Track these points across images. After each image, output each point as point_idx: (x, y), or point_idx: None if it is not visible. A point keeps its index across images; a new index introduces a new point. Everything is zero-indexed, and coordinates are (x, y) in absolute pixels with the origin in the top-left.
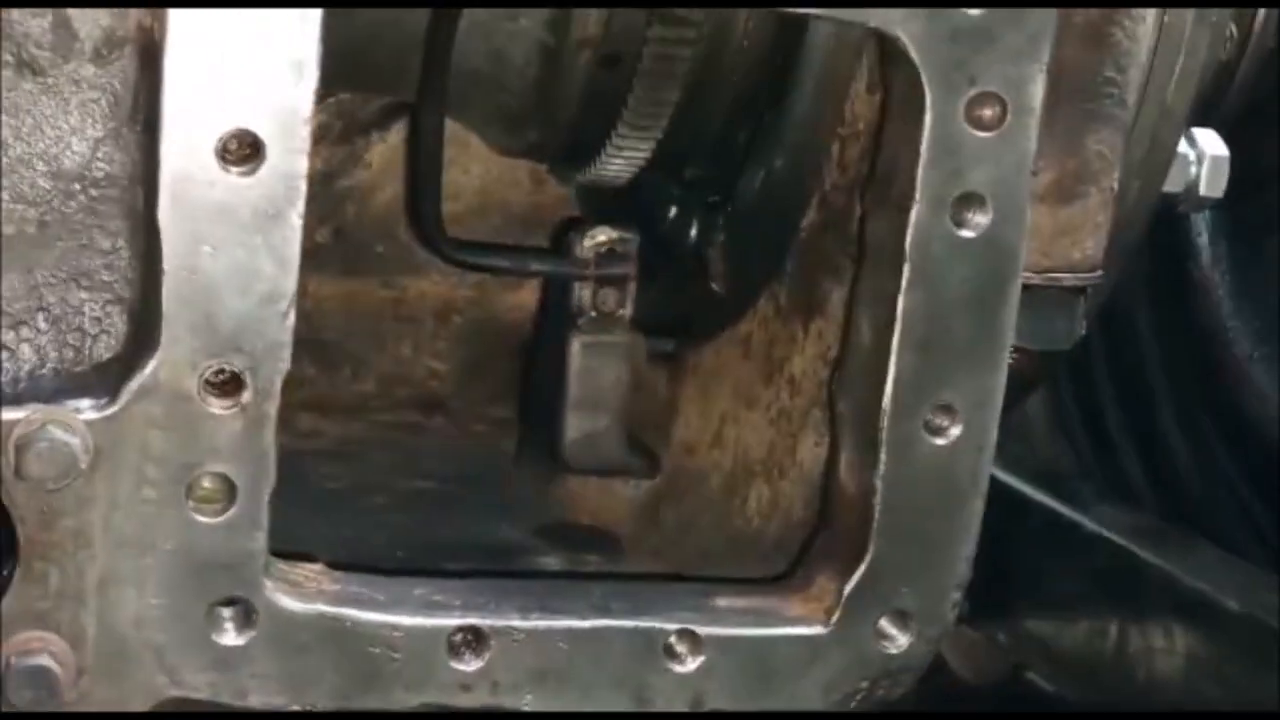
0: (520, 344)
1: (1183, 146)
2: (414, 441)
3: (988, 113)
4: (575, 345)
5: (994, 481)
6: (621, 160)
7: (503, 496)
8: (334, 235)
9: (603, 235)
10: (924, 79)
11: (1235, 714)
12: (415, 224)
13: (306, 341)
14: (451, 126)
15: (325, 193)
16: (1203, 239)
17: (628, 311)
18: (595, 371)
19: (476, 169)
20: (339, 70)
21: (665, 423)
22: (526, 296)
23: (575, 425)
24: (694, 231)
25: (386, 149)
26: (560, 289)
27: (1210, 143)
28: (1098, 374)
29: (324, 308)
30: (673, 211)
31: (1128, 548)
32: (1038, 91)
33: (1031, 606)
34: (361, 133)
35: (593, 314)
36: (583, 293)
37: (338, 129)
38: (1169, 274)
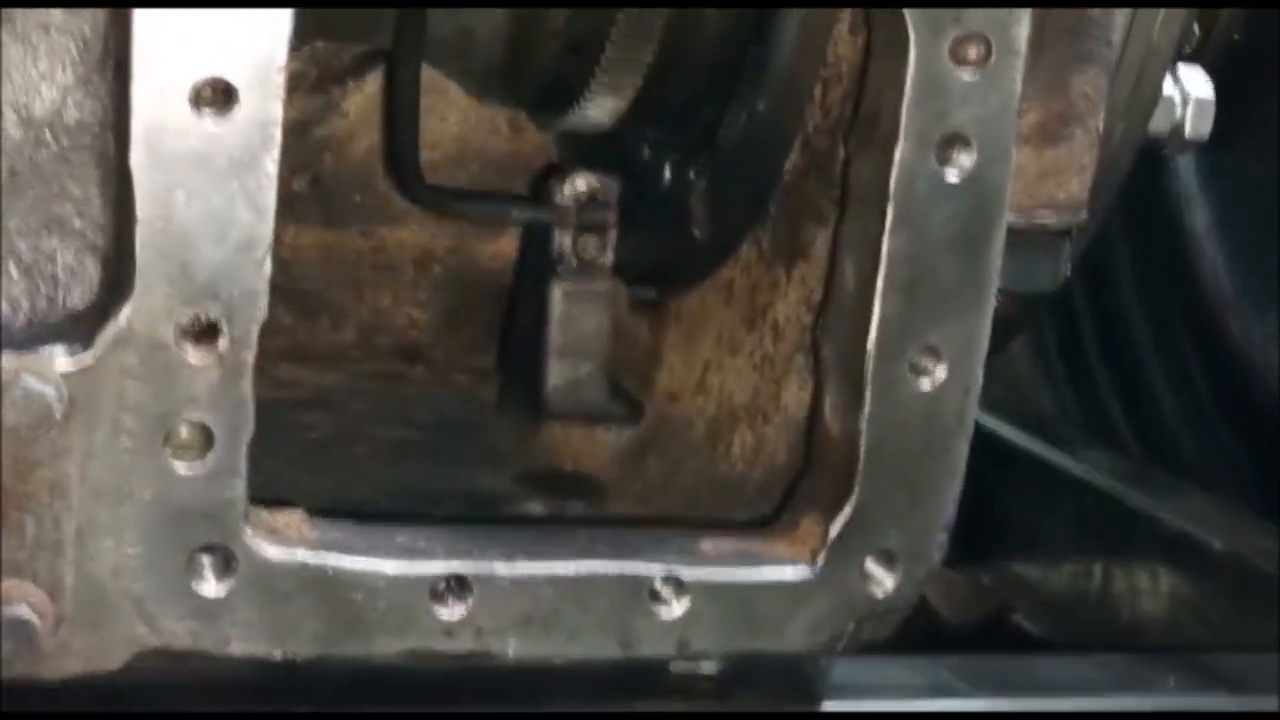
0: (501, 292)
1: (1168, 88)
2: (395, 390)
3: (973, 53)
4: (556, 292)
5: (979, 427)
6: (598, 110)
7: (485, 444)
8: (311, 184)
9: (583, 182)
10: (908, 19)
11: (1219, 652)
12: (393, 172)
13: (285, 291)
14: (429, 74)
15: (301, 142)
16: (1185, 183)
17: (609, 258)
18: (577, 319)
19: (454, 116)
20: (314, 18)
21: (648, 370)
22: (506, 245)
23: (557, 372)
24: (675, 177)
25: (363, 98)
26: (541, 236)
27: (1196, 83)
28: (1081, 318)
29: (302, 257)
30: (654, 158)
31: (1112, 490)
32: (1023, 32)
33: (1017, 550)
34: (337, 81)
35: (573, 261)
36: (563, 240)
37: (313, 77)
38: (1150, 217)
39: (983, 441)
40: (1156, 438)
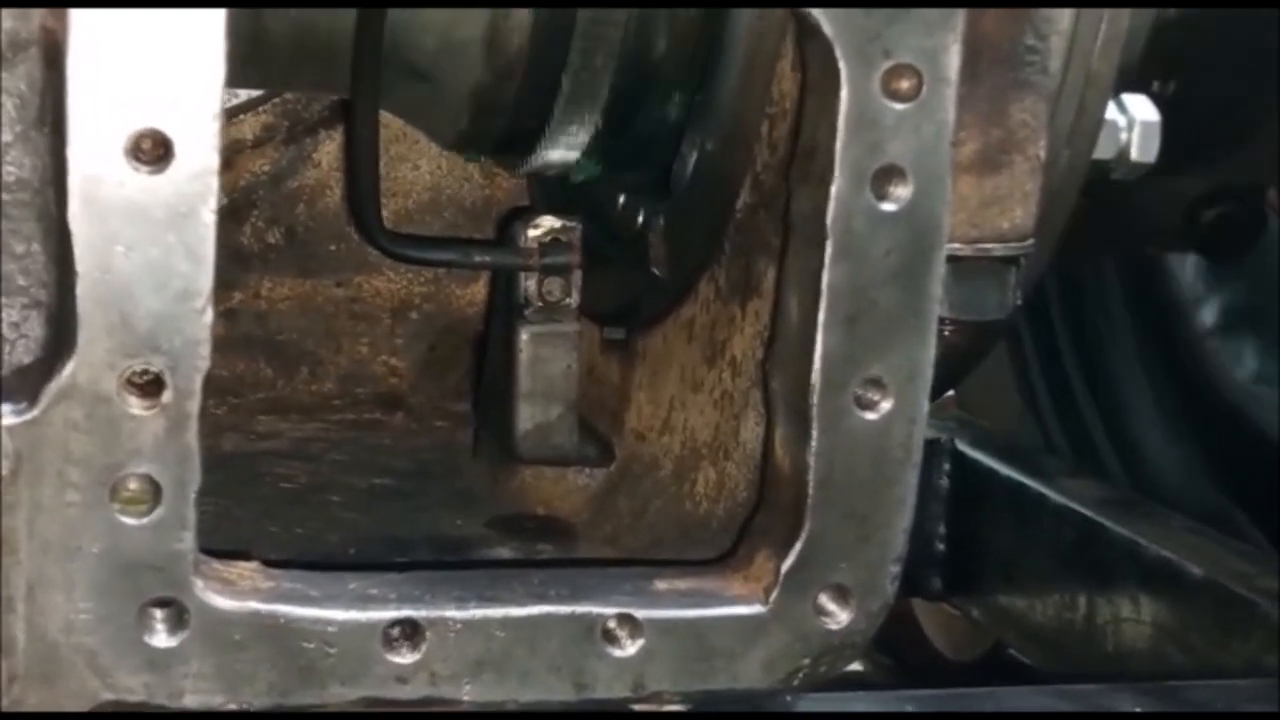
0: (478, 337)
1: (1113, 113)
2: (374, 439)
3: (904, 84)
4: (524, 336)
5: (963, 458)
6: (559, 150)
7: (459, 490)
8: (286, 236)
9: (546, 224)
10: (838, 53)
11: (1202, 681)
12: (356, 221)
13: (262, 343)
14: (400, 122)
15: (275, 193)
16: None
17: (574, 299)
18: (545, 361)
19: (427, 165)
20: (271, 68)
21: (618, 410)
22: (482, 290)
23: (527, 416)
24: (636, 217)
25: (335, 148)
26: (507, 280)
27: (1140, 109)
28: (1064, 348)
29: (279, 309)
30: (614, 198)
31: (1095, 519)
32: (953, 61)
33: (1005, 581)
34: (309, 133)
35: (539, 304)
36: (529, 283)
37: (284, 129)
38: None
39: (968, 473)
40: (1141, 468)
